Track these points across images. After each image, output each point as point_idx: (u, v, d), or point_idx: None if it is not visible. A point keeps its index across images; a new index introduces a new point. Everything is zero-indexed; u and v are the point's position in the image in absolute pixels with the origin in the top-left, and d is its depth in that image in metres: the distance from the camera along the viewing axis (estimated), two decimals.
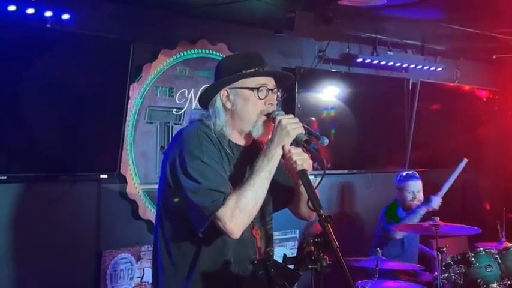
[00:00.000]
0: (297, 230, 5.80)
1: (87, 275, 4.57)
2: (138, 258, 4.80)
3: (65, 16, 4.16)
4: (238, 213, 2.30)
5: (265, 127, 2.50)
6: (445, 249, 4.44)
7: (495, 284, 4.53)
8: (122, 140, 4.54)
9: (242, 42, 5.27)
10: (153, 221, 2.65)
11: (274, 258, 2.28)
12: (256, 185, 2.35)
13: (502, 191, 7.30)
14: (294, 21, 4.64)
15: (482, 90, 7.58)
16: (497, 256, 4.65)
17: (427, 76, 6.79)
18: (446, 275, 4.50)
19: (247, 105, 2.49)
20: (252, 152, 2.55)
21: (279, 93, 2.58)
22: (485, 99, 7.61)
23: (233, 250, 2.46)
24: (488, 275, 4.54)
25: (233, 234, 2.32)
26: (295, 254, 2.27)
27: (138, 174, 4.78)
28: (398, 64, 6.37)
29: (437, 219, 4.53)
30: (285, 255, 2.29)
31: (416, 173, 5.54)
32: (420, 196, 5.39)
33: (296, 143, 2.43)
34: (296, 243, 5.74)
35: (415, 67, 6.56)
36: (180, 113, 5.01)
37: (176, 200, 2.41)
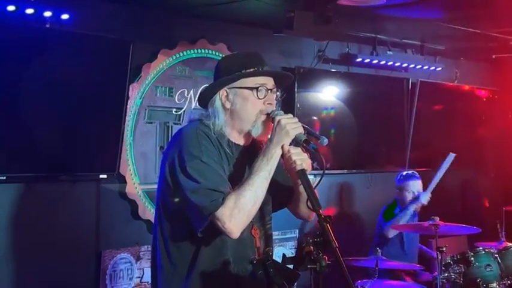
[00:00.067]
0: (297, 230, 5.81)
1: (87, 275, 4.57)
2: (138, 258, 4.80)
3: (64, 16, 4.16)
4: (237, 213, 2.30)
5: (264, 127, 2.50)
6: (444, 248, 4.43)
7: (495, 284, 4.53)
8: (121, 140, 4.54)
9: (242, 42, 5.27)
10: (153, 221, 2.65)
11: (274, 258, 2.28)
12: (256, 184, 2.35)
13: (501, 190, 7.30)
14: (294, 21, 4.64)
15: (482, 90, 7.58)
16: (496, 256, 4.65)
17: (426, 76, 6.79)
18: (446, 274, 4.50)
19: (247, 105, 2.49)
20: (252, 151, 2.55)
21: (278, 93, 2.58)
22: (484, 99, 7.61)
23: (232, 250, 2.46)
24: (488, 275, 4.54)
25: (232, 234, 2.32)
26: (294, 254, 2.27)
27: (138, 174, 4.78)
28: (397, 64, 6.37)
29: (437, 218, 4.53)
30: (284, 255, 2.29)
31: (416, 172, 5.54)
32: (428, 195, 5.38)
33: (295, 142, 2.43)
34: (295, 243, 5.74)
35: (414, 67, 6.56)
36: (179, 112, 5.01)
37: (175, 199, 2.41)
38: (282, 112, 2.47)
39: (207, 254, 2.44)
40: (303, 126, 2.44)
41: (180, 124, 4.94)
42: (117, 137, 4.50)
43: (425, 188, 5.36)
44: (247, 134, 2.53)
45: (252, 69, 2.51)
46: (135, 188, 4.77)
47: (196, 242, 2.43)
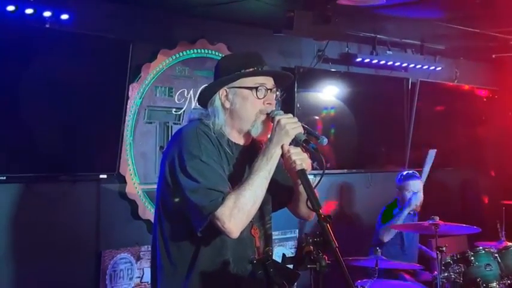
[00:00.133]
0: (297, 230, 5.81)
1: (87, 275, 4.58)
2: (138, 258, 4.80)
3: (64, 16, 4.16)
4: (237, 212, 2.30)
5: (264, 126, 2.50)
6: (444, 248, 4.43)
7: (494, 283, 4.53)
8: (121, 140, 4.54)
9: (241, 42, 5.27)
10: (153, 221, 2.65)
11: (273, 257, 2.27)
12: (255, 184, 2.35)
13: (502, 190, 7.29)
14: (293, 20, 4.64)
15: (482, 89, 7.58)
16: (496, 255, 4.65)
17: (426, 75, 6.79)
18: (446, 274, 4.50)
19: (246, 105, 2.49)
20: (251, 151, 2.55)
21: (278, 92, 2.58)
22: (484, 99, 7.61)
23: (232, 250, 2.46)
24: (488, 274, 4.54)
25: (232, 233, 2.32)
26: (294, 254, 2.27)
27: (138, 174, 4.78)
28: (397, 63, 6.37)
29: (437, 218, 4.53)
30: (284, 254, 2.29)
31: (416, 172, 5.53)
32: (420, 196, 5.39)
33: (295, 142, 2.43)
34: (295, 242, 5.74)
35: (414, 66, 6.56)
36: (179, 112, 5.01)
37: (175, 199, 2.41)
38: (281, 112, 2.47)
39: (206, 254, 2.43)
40: (303, 126, 2.44)
41: (179, 124, 4.94)
42: (117, 137, 4.50)
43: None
44: (247, 134, 2.53)
45: (251, 69, 2.51)
46: (135, 188, 4.77)
47: (196, 242, 2.43)
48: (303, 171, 2.41)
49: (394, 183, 5.54)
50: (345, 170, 6.21)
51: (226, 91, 2.51)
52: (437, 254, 4.43)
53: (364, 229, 6.06)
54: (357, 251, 4.85)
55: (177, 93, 4.99)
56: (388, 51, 6.14)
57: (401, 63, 6.42)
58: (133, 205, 4.78)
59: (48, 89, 4.10)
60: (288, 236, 5.76)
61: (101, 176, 4.51)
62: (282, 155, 2.44)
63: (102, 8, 4.47)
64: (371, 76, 6.41)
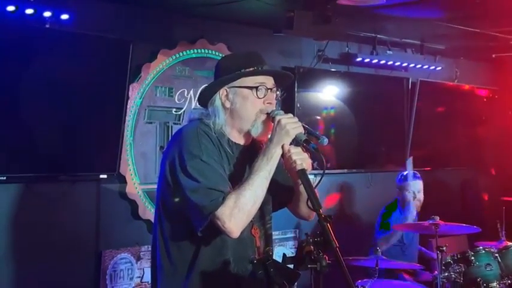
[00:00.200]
0: (297, 230, 5.81)
1: (87, 275, 4.57)
2: (138, 258, 4.80)
3: (64, 16, 4.15)
4: (237, 212, 2.30)
5: (264, 126, 2.50)
6: (444, 248, 4.43)
7: (495, 283, 4.53)
8: (121, 140, 4.54)
9: (241, 42, 5.27)
10: (153, 220, 2.65)
11: (274, 257, 2.27)
12: (256, 184, 2.35)
13: (502, 190, 7.29)
14: (293, 20, 4.64)
15: (482, 89, 7.58)
16: (497, 255, 4.64)
17: (426, 75, 6.79)
18: (446, 274, 4.49)
19: (246, 104, 2.49)
20: (252, 151, 2.55)
21: (278, 92, 2.58)
22: (484, 99, 7.61)
23: (232, 250, 2.46)
24: (488, 274, 4.54)
25: (232, 233, 2.32)
26: (294, 254, 2.27)
27: (138, 174, 4.78)
28: (397, 63, 6.37)
29: (437, 218, 4.52)
30: (284, 254, 2.29)
31: (417, 172, 5.53)
32: (420, 196, 5.38)
33: (295, 142, 2.43)
34: (295, 242, 5.74)
35: (414, 66, 6.55)
36: (179, 112, 5.01)
37: (175, 199, 2.41)
38: (282, 112, 2.47)
39: (207, 254, 2.43)
40: (303, 126, 2.44)
41: (180, 124, 4.94)
42: (117, 137, 4.50)
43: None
44: (247, 134, 2.54)
45: (251, 69, 2.51)
46: (135, 188, 4.77)
47: (196, 242, 2.43)
48: (303, 171, 2.41)
49: (394, 183, 5.54)
50: (345, 170, 6.21)
51: (226, 91, 2.51)
52: (437, 253, 4.43)
53: (364, 229, 6.06)
54: (357, 251, 4.85)
55: (177, 93, 4.99)
56: (388, 51, 6.14)
57: (402, 63, 6.42)
58: (133, 205, 4.78)
59: (48, 89, 4.10)
60: (288, 236, 5.76)
61: (101, 176, 4.51)
62: (283, 155, 2.44)
63: (102, 8, 4.47)
64: (371, 76, 6.41)
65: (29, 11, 3.98)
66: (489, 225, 5.49)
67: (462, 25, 5.45)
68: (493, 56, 7.07)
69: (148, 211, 4.79)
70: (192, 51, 5.06)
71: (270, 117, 2.48)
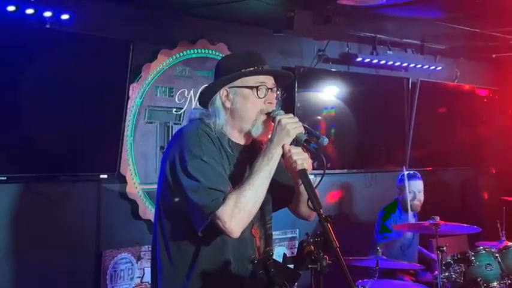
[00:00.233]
0: (297, 230, 5.81)
1: (88, 275, 4.58)
2: (138, 258, 4.80)
3: (65, 16, 4.16)
4: (238, 212, 2.30)
5: (264, 126, 2.50)
6: (445, 248, 4.43)
7: (495, 283, 4.53)
8: (121, 140, 4.54)
9: (242, 42, 5.27)
10: (153, 220, 2.65)
11: (274, 257, 2.27)
12: (256, 184, 2.35)
13: (502, 190, 7.29)
14: (294, 20, 4.64)
15: (482, 89, 7.58)
16: (497, 255, 4.64)
17: (426, 75, 6.79)
18: (447, 274, 4.49)
19: (247, 104, 2.49)
20: (252, 151, 2.55)
21: (278, 92, 2.58)
22: (485, 99, 7.61)
23: (233, 250, 2.46)
24: (489, 274, 4.54)
25: (233, 233, 2.32)
26: (295, 254, 2.27)
27: (138, 174, 4.78)
28: (398, 63, 6.37)
29: (437, 218, 4.52)
30: (285, 254, 2.29)
31: (417, 173, 5.53)
32: (420, 197, 5.39)
33: (296, 142, 2.43)
34: (296, 242, 5.74)
35: (414, 66, 6.55)
36: (179, 112, 5.01)
37: (176, 199, 2.41)
38: (282, 112, 2.47)
39: (207, 254, 2.43)
40: (304, 126, 2.44)
41: (180, 124, 4.94)
42: (118, 137, 4.50)
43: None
44: (248, 134, 2.53)
45: (252, 68, 2.51)
46: (135, 188, 4.77)
47: (196, 242, 2.43)
48: (303, 171, 2.41)
49: (394, 183, 5.54)
50: (345, 170, 6.21)
51: (227, 91, 2.51)
52: (437, 254, 4.43)
53: (364, 229, 6.06)
54: (357, 251, 4.85)
55: (178, 93, 4.99)
56: (388, 51, 6.14)
57: (402, 63, 6.42)
58: (133, 205, 4.78)
59: (48, 89, 4.10)
60: (288, 236, 5.76)
61: (102, 176, 4.51)
62: (283, 155, 2.44)
63: (102, 8, 4.47)
64: (371, 76, 6.41)
65: (30, 11, 3.98)
66: (489, 225, 5.49)
67: (462, 25, 5.45)
68: (493, 56, 7.07)
69: (148, 211, 4.79)
70: (192, 51, 5.06)
71: (270, 117, 2.47)
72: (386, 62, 6.22)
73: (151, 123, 4.86)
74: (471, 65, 7.47)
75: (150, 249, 4.43)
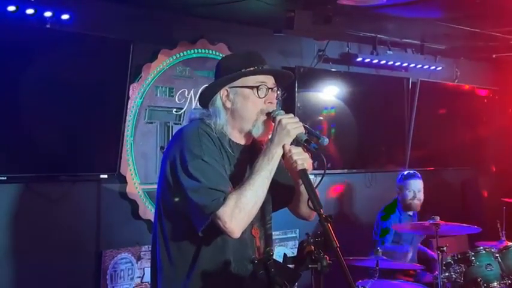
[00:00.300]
0: (297, 230, 5.81)
1: (88, 275, 4.57)
2: (138, 258, 4.80)
3: (65, 16, 4.15)
4: (238, 212, 2.30)
5: (265, 126, 2.50)
6: (445, 248, 4.43)
7: (495, 283, 4.53)
8: (121, 140, 4.53)
9: (242, 42, 5.27)
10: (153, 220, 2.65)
11: (274, 257, 2.27)
12: (256, 184, 2.35)
13: (502, 190, 7.29)
14: (294, 20, 4.64)
15: (482, 89, 7.58)
16: (497, 255, 4.64)
17: (426, 75, 6.79)
18: (447, 274, 4.49)
19: (247, 104, 2.49)
20: (252, 151, 2.55)
21: (278, 92, 2.58)
22: (485, 99, 7.61)
23: (233, 250, 2.46)
24: (489, 274, 4.54)
25: (233, 233, 2.32)
26: (295, 254, 2.27)
27: (138, 174, 4.78)
28: (398, 63, 6.37)
29: (438, 218, 4.52)
30: (285, 254, 2.29)
31: (417, 172, 5.54)
32: (420, 196, 5.39)
33: (296, 142, 2.43)
34: (296, 242, 5.74)
35: (414, 66, 6.55)
36: (180, 113, 5.01)
37: (176, 198, 2.41)
38: (282, 112, 2.47)
39: (208, 254, 2.43)
40: (304, 126, 2.44)
41: (180, 124, 4.94)
42: (118, 137, 4.50)
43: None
44: (248, 134, 2.53)
45: (252, 68, 2.51)
46: (135, 188, 4.77)
47: (196, 242, 2.43)
48: (304, 171, 2.41)
49: (394, 183, 5.54)
50: (345, 170, 6.21)
51: (227, 91, 2.51)
52: (438, 254, 4.43)
53: (365, 229, 6.06)
54: (357, 251, 4.85)
55: (178, 93, 4.99)
56: (388, 51, 6.14)
57: (402, 63, 6.42)
58: (133, 205, 4.78)
59: (48, 89, 4.10)
60: (288, 236, 5.76)
61: (102, 176, 4.51)
62: (283, 155, 2.44)
63: (103, 8, 4.47)
64: (371, 76, 6.41)
65: (30, 11, 3.98)
66: (489, 225, 5.49)
67: (462, 25, 5.45)
68: (493, 56, 7.07)
69: (148, 211, 4.79)
70: (192, 51, 5.06)
71: (270, 117, 2.47)
72: (387, 62, 6.22)
73: (151, 123, 4.86)
74: (471, 65, 7.47)
75: (150, 249, 4.44)
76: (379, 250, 4.60)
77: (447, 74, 7.15)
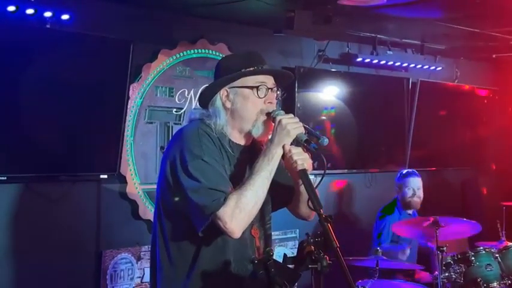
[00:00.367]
0: (297, 230, 5.81)
1: (88, 275, 4.57)
2: (138, 258, 4.80)
3: (65, 16, 4.15)
4: (239, 212, 2.30)
5: (265, 126, 2.50)
6: (445, 248, 4.43)
7: (495, 283, 4.52)
8: (121, 140, 4.54)
9: (242, 42, 5.27)
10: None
11: (274, 257, 2.27)
12: (257, 184, 2.35)
13: (502, 190, 7.30)
14: (294, 20, 4.64)
15: (482, 89, 7.58)
16: (497, 255, 4.64)
17: (426, 75, 6.79)
18: (447, 274, 4.49)
19: (247, 104, 2.49)
20: (252, 151, 2.55)
21: (278, 92, 2.58)
22: (485, 99, 7.61)
23: (233, 250, 2.46)
24: (489, 274, 4.53)
25: (233, 234, 2.32)
26: (295, 254, 2.27)
27: (138, 174, 4.78)
28: (398, 63, 6.37)
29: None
30: (285, 254, 2.29)
31: (416, 171, 5.54)
32: (420, 193, 5.38)
33: (296, 142, 2.43)
34: (296, 242, 5.74)
35: (414, 66, 6.55)
36: (180, 113, 5.01)
37: (176, 199, 2.41)
38: (282, 112, 2.47)
39: (208, 254, 2.43)
40: (304, 126, 2.44)
41: (180, 124, 4.94)
42: (118, 137, 4.50)
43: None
44: (248, 134, 2.53)
45: (251, 68, 2.51)
46: (135, 188, 4.77)
47: (196, 242, 2.43)
48: (304, 172, 2.41)
49: (394, 183, 5.54)
50: (345, 170, 6.21)
51: (227, 91, 2.51)
52: (438, 254, 4.43)
53: (365, 229, 6.07)
54: (357, 251, 4.85)
55: (178, 93, 4.99)
56: (388, 51, 6.14)
57: (402, 63, 6.42)
58: (133, 205, 4.78)
59: (48, 89, 4.10)
60: (288, 236, 5.76)
61: (102, 176, 4.51)
62: (283, 155, 2.44)
63: (102, 8, 4.47)
64: (371, 76, 6.42)
65: (30, 11, 3.98)
66: (489, 225, 5.49)
67: (462, 25, 5.45)
68: (493, 56, 7.07)
69: (148, 211, 4.79)
70: (192, 51, 5.06)
71: (270, 117, 2.48)
72: (387, 62, 6.22)
73: (151, 123, 4.86)
74: (471, 65, 7.47)
75: (150, 249, 4.44)
76: (379, 250, 4.59)
77: (447, 74, 7.15)
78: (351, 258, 4.43)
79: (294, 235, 5.80)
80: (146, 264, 4.76)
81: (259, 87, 2.49)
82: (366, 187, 6.52)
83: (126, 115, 4.54)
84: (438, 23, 5.38)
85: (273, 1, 4.52)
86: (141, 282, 4.80)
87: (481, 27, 5.60)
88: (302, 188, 2.51)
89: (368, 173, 6.51)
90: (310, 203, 2.34)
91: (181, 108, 5.02)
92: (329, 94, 6.01)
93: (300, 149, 2.44)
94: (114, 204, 4.70)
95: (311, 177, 2.45)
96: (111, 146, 4.51)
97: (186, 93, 5.03)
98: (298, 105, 5.63)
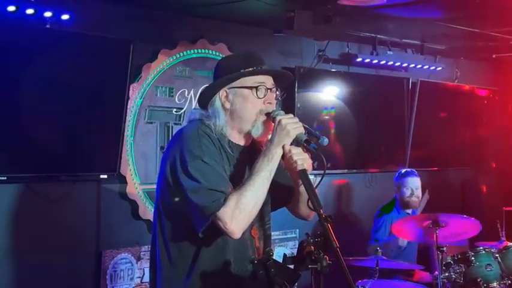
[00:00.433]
0: (297, 230, 5.81)
1: (88, 275, 4.57)
2: (138, 259, 4.80)
3: (65, 16, 4.15)
4: (239, 213, 2.30)
5: (264, 127, 2.50)
6: (445, 248, 4.43)
7: (495, 283, 4.52)
8: (121, 140, 4.54)
9: (242, 42, 5.27)
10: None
11: (274, 258, 2.28)
12: (257, 185, 2.35)
13: (502, 190, 7.30)
14: (294, 20, 4.64)
15: (482, 89, 7.58)
16: (497, 255, 4.64)
17: (426, 75, 6.79)
18: (447, 274, 4.49)
19: (246, 105, 2.49)
20: (252, 152, 2.55)
21: (278, 92, 2.58)
22: (485, 99, 7.61)
23: (233, 250, 2.46)
24: (489, 274, 4.53)
25: (234, 234, 2.32)
26: (295, 254, 2.27)
27: (138, 175, 4.78)
28: (398, 63, 6.37)
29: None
30: (285, 255, 2.29)
31: (414, 170, 5.53)
32: (419, 193, 5.38)
33: (296, 142, 2.43)
34: (296, 243, 5.74)
35: (414, 66, 6.56)
36: (179, 113, 5.01)
37: (176, 199, 2.41)
38: (282, 112, 2.47)
39: (208, 254, 2.43)
40: (304, 126, 2.44)
41: (180, 124, 4.94)
42: (118, 137, 4.50)
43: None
44: (248, 134, 2.53)
45: (251, 69, 2.51)
46: (135, 188, 4.77)
47: (196, 242, 2.42)
48: (304, 172, 2.41)
49: (393, 183, 5.54)
50: (345, 170, 6.22)
51: (226, 92, 2.51)
52: (437, 254, 4.43)
53: (365, 229, 6.07)
54: (357, 251, 4.85)
55: (178, 94, 4.99)
56: (388, 51, 6.14)
57: (402, 63, 6.42)
58: (133, 205, 4.78)
59: (48, 89, 4.10)
60: (288, 236, 5.76)
61: (102, 176, 4.51)
62: (283, 156, 2.44)
63: (102, 8, 4.47)
64: (371, 76, 6.42)
65: (30, 11, 3.98)
66: (489, 226, 5.49)
67: (462, 25, 5.45)
68: (493, 56, 7.07)
69: (148, 211, 4.79)
70: (192, 51, 5.06)
71: (270, 117, 2.47)
72: (387, 62, 6.22)
73: (151, 123, 4.86)
74: (471, 65, 7.47)
75: (149, 249, 4.44)
76: (379, 250, 4.59)
77: (447, 74, 7.15)
78: (350, 258, 4.43)
79: (294, 235, 5.80)
80: (146, 264, 4.76)
81: (259, 87, 2.49)
82: (365, 187, 6.52)
83: (126, 115, 4.54)
84: (438, 23, 5.38)
85: (273, 1, 4.52)
86: (141, 282, 4.81)
87: (481, 27, 5.60)
88: (302, 188, 2.50)
89: (368, 173, 6.51)
90: (310, 203, 2.34)
91: (181, 108, 5.02)
92: (329, 94, 6.01)
93: (299, 149, 2.44)
94: (114, 204, 4.70)
95: (311, 177, 2.45)
96: (111, 146, 4.51)
97: (186, 93, 5.03)
98: (298, 105, 5.63)
